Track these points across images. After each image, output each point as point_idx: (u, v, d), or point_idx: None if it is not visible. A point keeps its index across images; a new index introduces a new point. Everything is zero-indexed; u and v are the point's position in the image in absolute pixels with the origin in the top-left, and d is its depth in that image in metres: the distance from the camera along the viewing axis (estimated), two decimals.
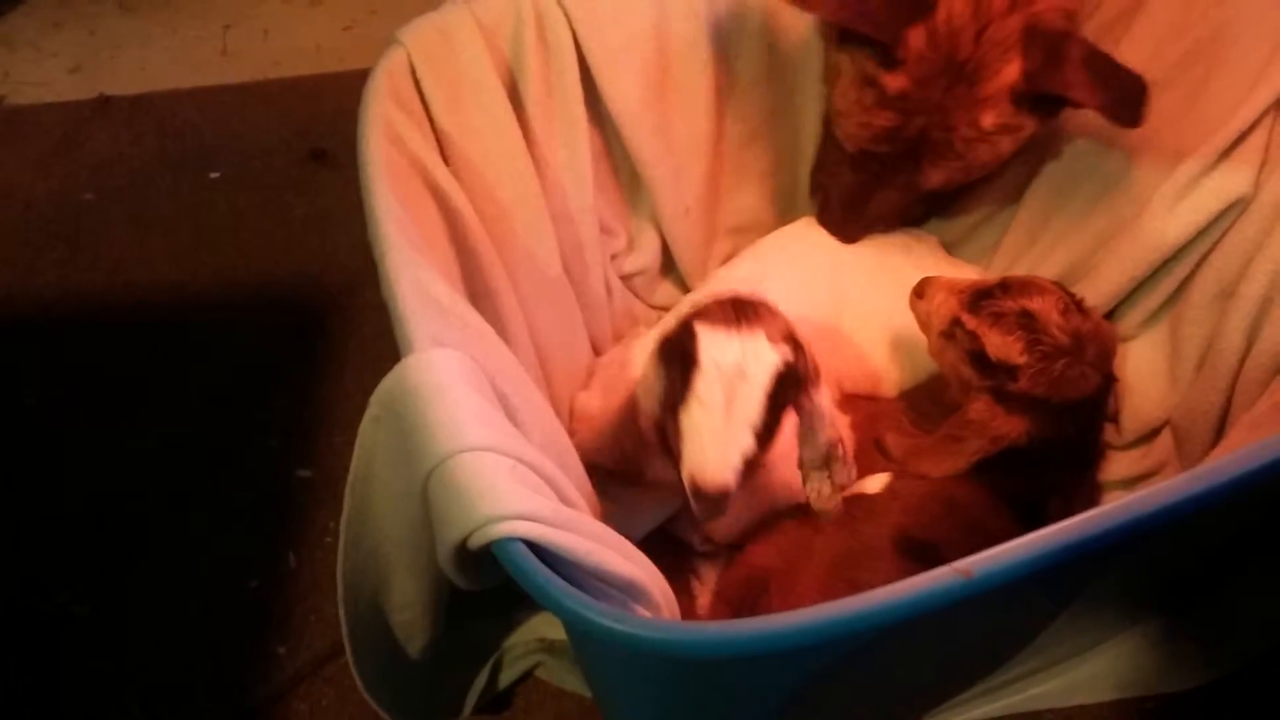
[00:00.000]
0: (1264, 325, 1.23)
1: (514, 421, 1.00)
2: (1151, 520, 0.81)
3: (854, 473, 1.23)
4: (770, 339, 1.09)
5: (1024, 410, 1.22)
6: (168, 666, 1.44)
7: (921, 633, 0.88)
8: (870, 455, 1.35)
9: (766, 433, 1.10)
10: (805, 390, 1.15)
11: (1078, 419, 1.25)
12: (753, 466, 1.11)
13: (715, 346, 1.10)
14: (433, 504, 0.87)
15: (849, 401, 1.49)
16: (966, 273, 1.58)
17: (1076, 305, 1.26)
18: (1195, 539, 1.11)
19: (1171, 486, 0.83)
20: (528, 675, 1.38)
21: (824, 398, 1.18)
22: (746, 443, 1.08)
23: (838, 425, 1.23)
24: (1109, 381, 1.26)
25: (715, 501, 1.09)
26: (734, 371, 1.09)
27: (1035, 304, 1.23)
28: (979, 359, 1.24)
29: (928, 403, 1.38)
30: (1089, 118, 1.35)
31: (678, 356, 1.12)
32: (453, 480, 0.84)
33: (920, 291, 1.35)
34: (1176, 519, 0.82)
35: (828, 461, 1.20)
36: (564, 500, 0.95)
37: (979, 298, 1.26)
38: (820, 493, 1.22)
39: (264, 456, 1.66)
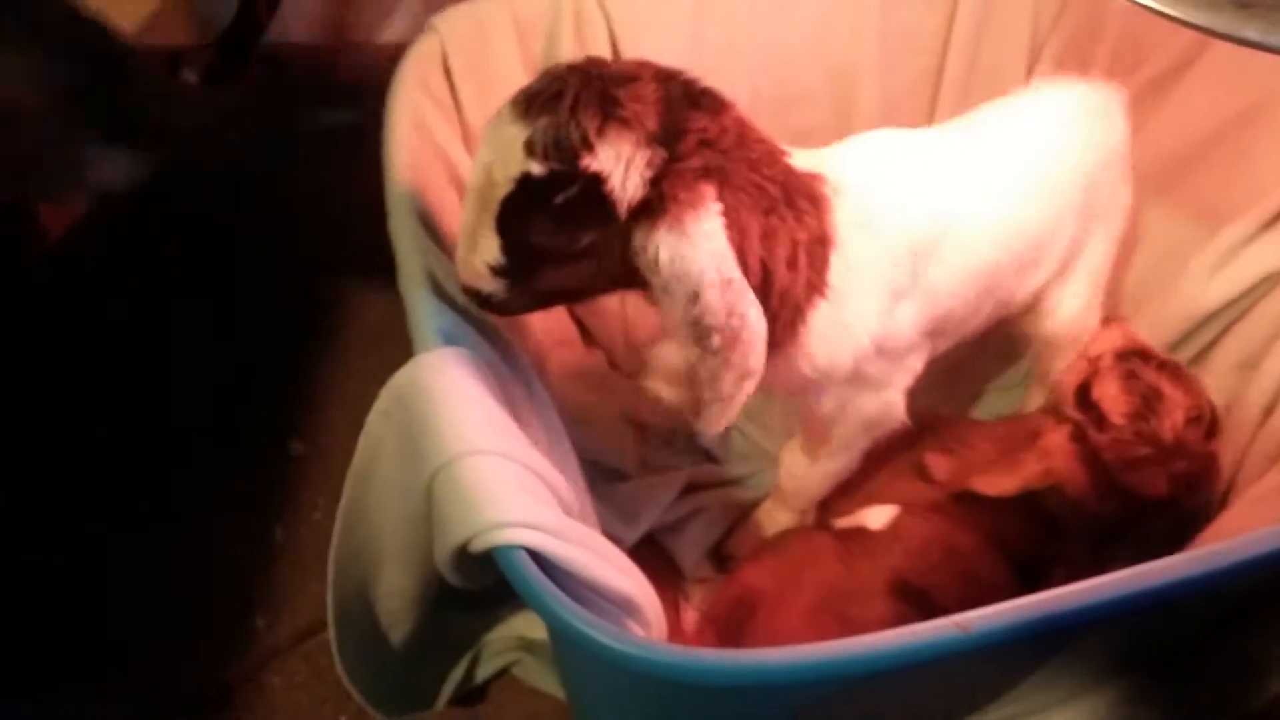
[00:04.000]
0: None
1: (519, 423, 1.00)
2: (1155, 595, 0.82)
3: (742, 386, 0.97)
4: (540, 142, 0.87)
5: (1087, 464, 1.22)
6: (146, 629, 1.43)
7: (906, 677, 0.88)
8: (890, 478, 1.34)
9: (531, 253, 0.93)
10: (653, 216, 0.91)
11: (1122, 508, 1.24)
12: (526, 282, 0.95)
13: (502, 123, 0.91)
14: (436, 503, 0.87)
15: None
16: None
17: (1210, 428, 1.26)
18: (1186, 611, 1.11)
19: (1177, 563, 0.83)
20: (504, 672, 1.37)
21: (700, 246, 0.91)
22: (490, 253, 0.93)
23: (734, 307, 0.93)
24: (1173, 502, 1.24)
25: (474, 297, 0.97)
26: (488, 161, 0.91)
27: (1172, 393, 1.24)
28: (1083, 390, 1.27)
29: (980, 437, 1.35)
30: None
31: None
32: (459, 482, 0.84)
33: (1105, 322, 1.38)
34: (1178, 595, 0.82)
35: (700, 340, 0.94)
36: (564, 508, 0.95)
37: (1134, 354, 1.29)
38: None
39: (260, 428, 1.65)
